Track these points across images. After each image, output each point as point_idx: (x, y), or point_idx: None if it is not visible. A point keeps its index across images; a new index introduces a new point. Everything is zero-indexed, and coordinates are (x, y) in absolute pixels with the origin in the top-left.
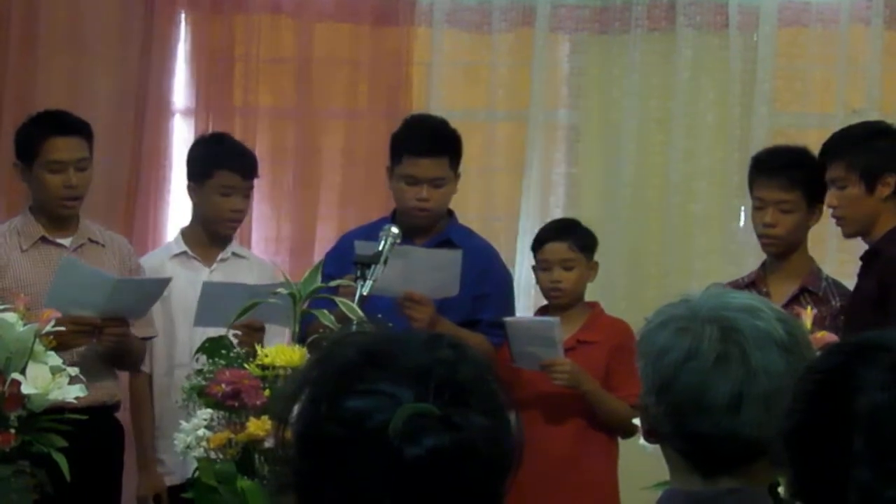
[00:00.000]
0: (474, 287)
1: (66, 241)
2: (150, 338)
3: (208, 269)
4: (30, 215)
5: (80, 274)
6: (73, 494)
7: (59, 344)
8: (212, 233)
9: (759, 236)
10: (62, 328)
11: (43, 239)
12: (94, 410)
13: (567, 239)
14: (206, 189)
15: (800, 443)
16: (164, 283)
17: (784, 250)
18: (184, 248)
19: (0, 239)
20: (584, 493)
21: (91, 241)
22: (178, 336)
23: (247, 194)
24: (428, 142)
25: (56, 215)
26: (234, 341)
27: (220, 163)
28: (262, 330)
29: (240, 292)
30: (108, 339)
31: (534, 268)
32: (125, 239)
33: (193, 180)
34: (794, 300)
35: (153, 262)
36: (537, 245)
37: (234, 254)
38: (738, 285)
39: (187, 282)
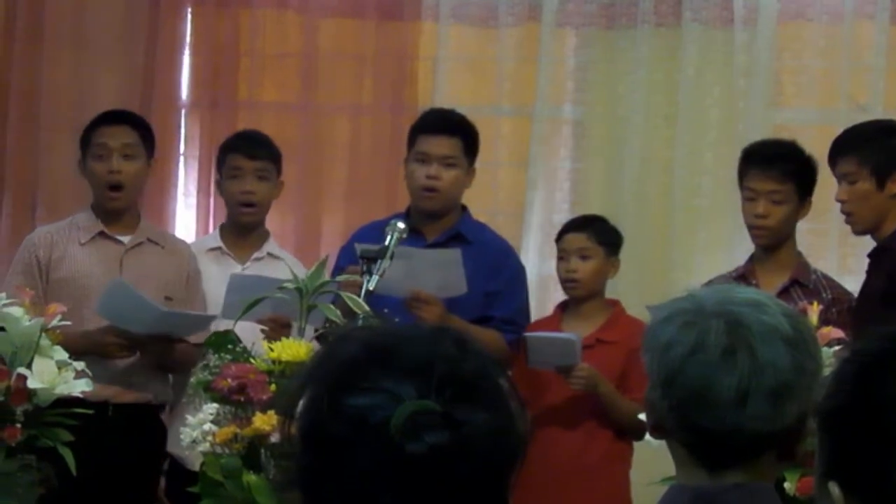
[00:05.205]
0: (486, 283)
1: (124, 238)
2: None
3: (241, 266)
4: (90, 211)
5: (127, 297)
6: (110, 486)
7: (102, 354)
8: (239, 225)
9: (750, 227)
10: (66, 324)
11: (101, 234)
12: (140, 408)
13: (586, 230)
14: (223, 178)
15: (843, 422)
16: (209, 320)
17: (774, 242)
18: (219, 243)
19: (60, 232)
20: (597, 496)
21: (150, 240)
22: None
23: (260, 176)
24: (440, 121)
25: (104, 207)
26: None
27: (229, 148)
28: (288, 326)
29: (268, 286)
30: (151, 356)
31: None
32: (188, 244)
33: (218, 173)
34: (785, 292)
35: None
36: (559, 237)
37: (269, 254)
38: (726, 278)
39: (218, 278)
